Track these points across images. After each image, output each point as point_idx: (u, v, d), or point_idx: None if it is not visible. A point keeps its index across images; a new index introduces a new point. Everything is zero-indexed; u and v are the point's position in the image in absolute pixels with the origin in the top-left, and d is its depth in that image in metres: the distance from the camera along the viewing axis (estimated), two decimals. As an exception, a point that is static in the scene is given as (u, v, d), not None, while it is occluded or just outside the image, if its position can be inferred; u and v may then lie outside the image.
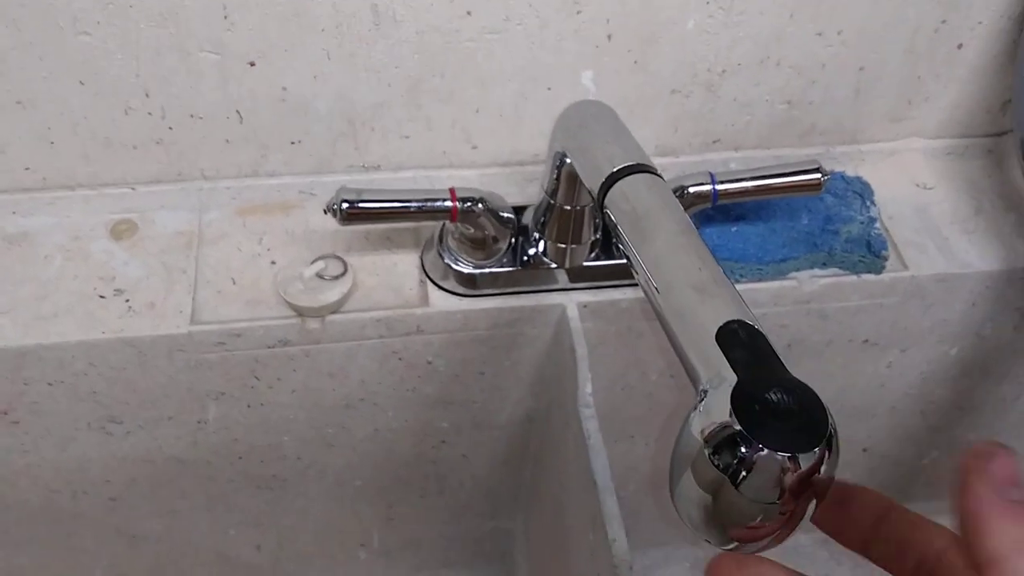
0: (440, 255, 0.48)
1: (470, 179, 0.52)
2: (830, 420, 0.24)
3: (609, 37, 0.47)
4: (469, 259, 0.47)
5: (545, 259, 0.48)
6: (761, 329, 0.27)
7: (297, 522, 0.62)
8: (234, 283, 0.48)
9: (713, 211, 0.50)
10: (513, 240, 0.47)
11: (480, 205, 0.44)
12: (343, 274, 0.47)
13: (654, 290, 0.31)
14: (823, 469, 0.24)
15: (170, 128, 0.47)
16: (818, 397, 0.25)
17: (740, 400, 0.24)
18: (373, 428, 0.54)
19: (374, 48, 0.45)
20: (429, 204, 0.44)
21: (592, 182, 0.37)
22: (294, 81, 0.46)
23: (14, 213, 0.49)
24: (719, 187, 0.47)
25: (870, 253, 0.50)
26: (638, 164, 0.36)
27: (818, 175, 0.47)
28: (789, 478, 0.24)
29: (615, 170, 0.36)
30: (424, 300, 0.48)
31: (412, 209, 0.44)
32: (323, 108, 0.47)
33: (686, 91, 0.50)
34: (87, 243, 0.49)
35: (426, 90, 0.48)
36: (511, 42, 0.46)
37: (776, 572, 0.25)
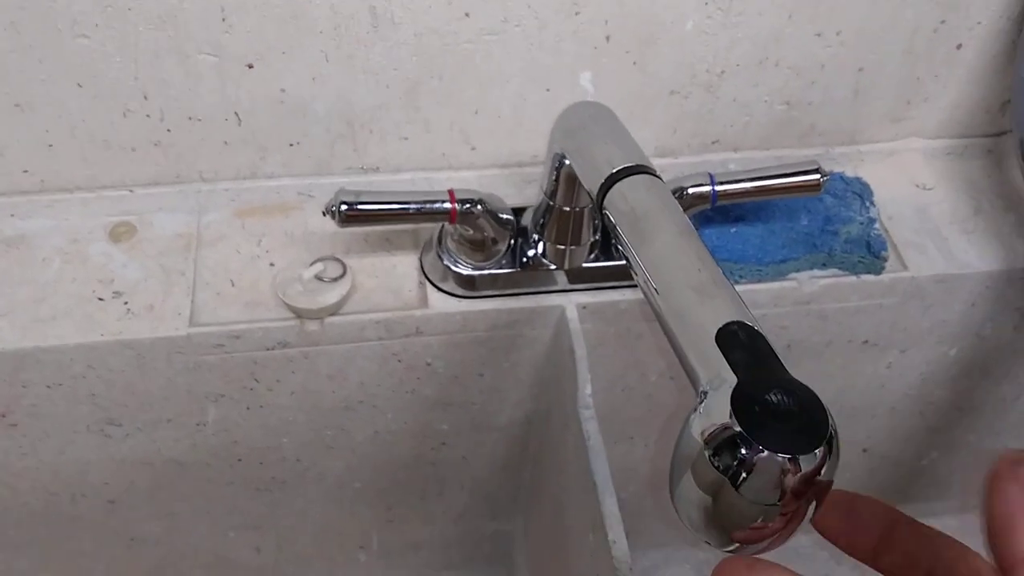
0: (439, 257, 0.48)
1: (469, 180, 0.52)
2: (830, 421, 0.24)
3: (608, 38, 0.47)
4: (468, 261, 0.47)
5: (544, 260, 0.48)
6: (761, 330, 0.27)
7: (296, 524, 0.62)
8: (233, 285, 0.48)
9: (712, 212, 0.50)
10: (512, 241, 0.47)
11: (479, 206, 0.44)
12: (342, 276, 0.47)
13: (653, 291, 0.31)
14: (824, 470, 0.24)
15: (168, 130, 0.47)
16: (818, 398, 0.25)
17: (740, 401, 0.24)
18: (372, 430, 0.54)
19: (372, 50, 0.45)
20: (428, 206, 0.44)
21: (591, 183, 0.37)
22: (292, 83, 0.46)
23: (12, 216, 0.49)
24: (718, 188, 0.47)
25: (869, 254, 0.50)
26: (637, 165, 0.36)
27: (817, 176, 0.47)
28: (789, 479, 0.24)
29: (614, 171, 0.36)
30: (423, 302, 0.48)
31: (411, 211, 0.44)
32: (321, 110, 0.47)
33: (685, 92, 0.50)
34: (85, 245, 0.49)
35: (424, 92, 0.47)
36: (509, 43, 0.46)
37: None
